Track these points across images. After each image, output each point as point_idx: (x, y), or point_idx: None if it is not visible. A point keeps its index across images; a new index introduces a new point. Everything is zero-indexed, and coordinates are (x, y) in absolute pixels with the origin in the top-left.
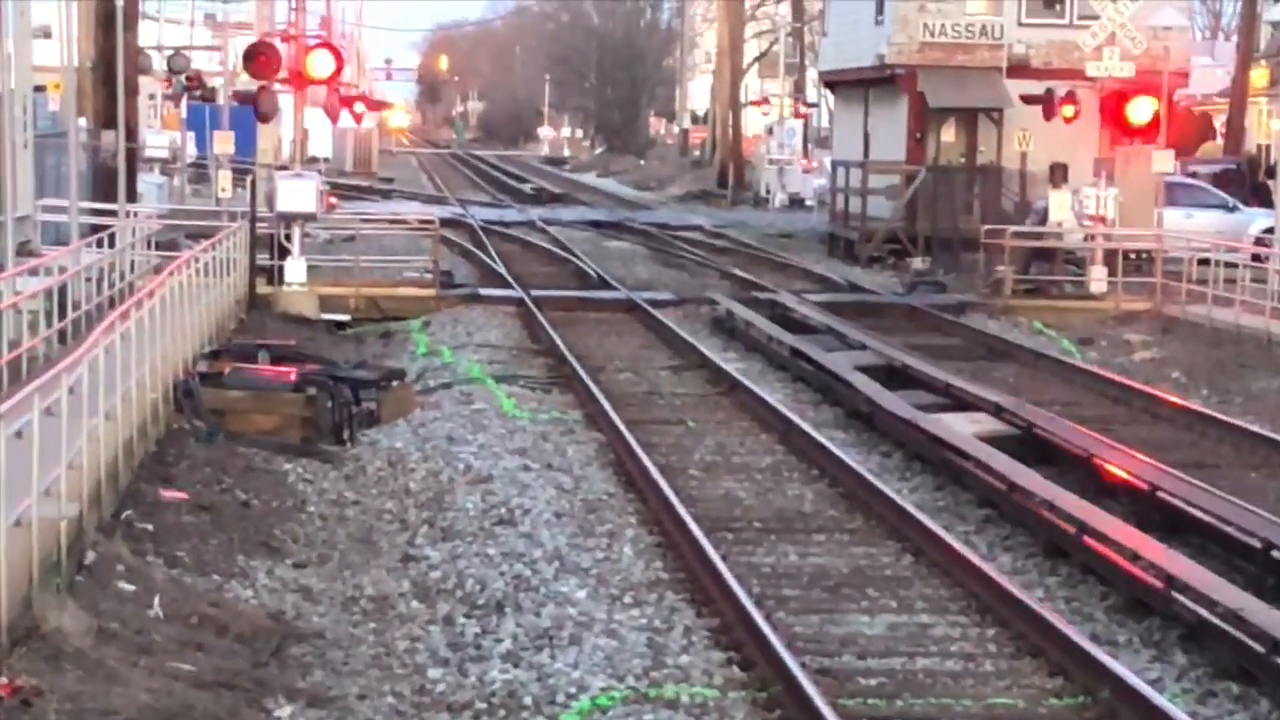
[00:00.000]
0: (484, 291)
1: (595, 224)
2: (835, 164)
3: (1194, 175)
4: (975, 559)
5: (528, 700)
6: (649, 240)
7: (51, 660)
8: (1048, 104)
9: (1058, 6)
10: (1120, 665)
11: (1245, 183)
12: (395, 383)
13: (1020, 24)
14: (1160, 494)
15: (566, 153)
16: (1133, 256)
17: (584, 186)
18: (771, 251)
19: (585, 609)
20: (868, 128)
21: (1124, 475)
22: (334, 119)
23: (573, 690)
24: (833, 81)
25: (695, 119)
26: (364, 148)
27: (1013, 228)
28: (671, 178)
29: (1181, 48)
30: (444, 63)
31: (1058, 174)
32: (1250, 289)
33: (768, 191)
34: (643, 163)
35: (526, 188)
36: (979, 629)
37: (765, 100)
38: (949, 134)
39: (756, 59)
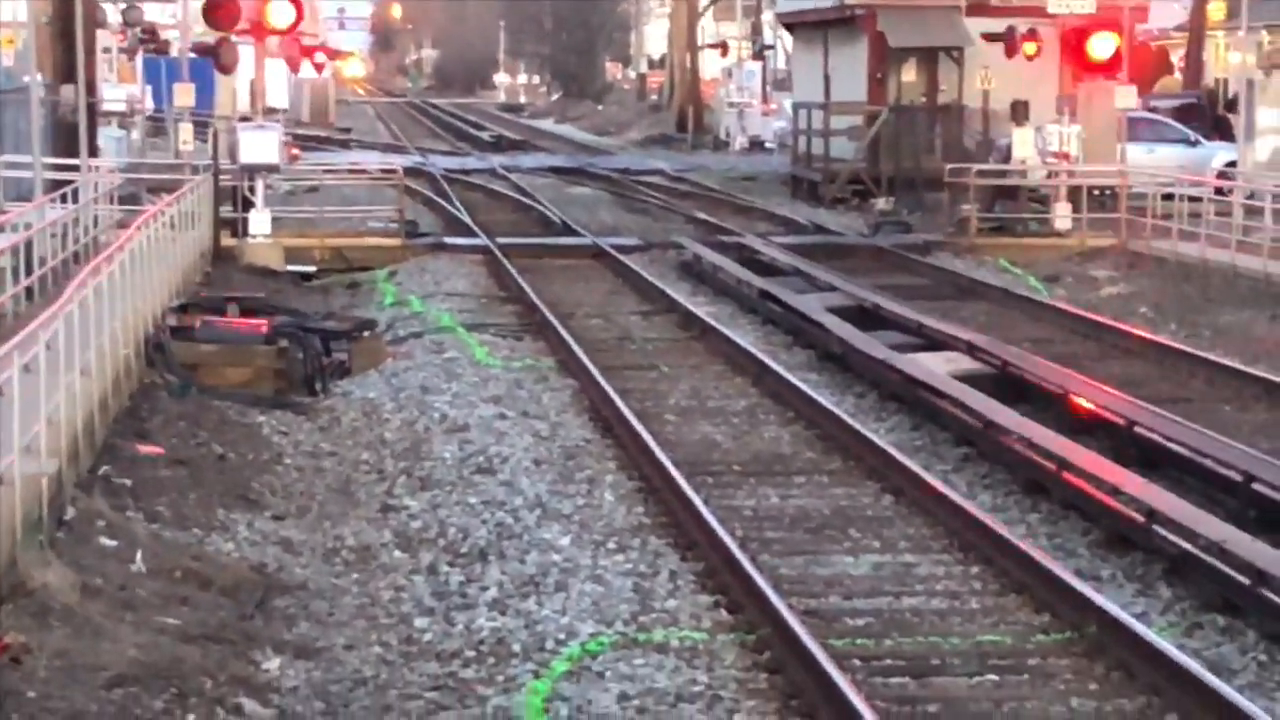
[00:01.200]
0: (449, 240)
1: (556, 170)
2: (796, 106)
3: (1154, 110)
4: (956, 497)
5: (516, 647)
6: (611, 185)
7: (38, 617)
8: (1009, 42)
9: None
10: (1106, 600)
11: (1206, 117)
12: (366, 333)
13: None
14: (1137, 429)
15: (523, 99)
16: (1097, 193)
17: (542, 133)
18: (734, 194)
19: (569, 555)
20: (827, 69)
21: (1100, 411)
22: (294, 69)
23: (561, 636)
24: (791, 23)
25: (652, 63)
26: (320, 98)
27: (977, 166)
28: (630, 123)
29: None
30: (397, 11)
31: (1020, 112)
32: (1214, 223)
33: (728, 135)
34: (600, 108)
35: (485, 135)
36: (963, 567)
37: (724, 45)
38: (910, 74)
39: (712, 2)
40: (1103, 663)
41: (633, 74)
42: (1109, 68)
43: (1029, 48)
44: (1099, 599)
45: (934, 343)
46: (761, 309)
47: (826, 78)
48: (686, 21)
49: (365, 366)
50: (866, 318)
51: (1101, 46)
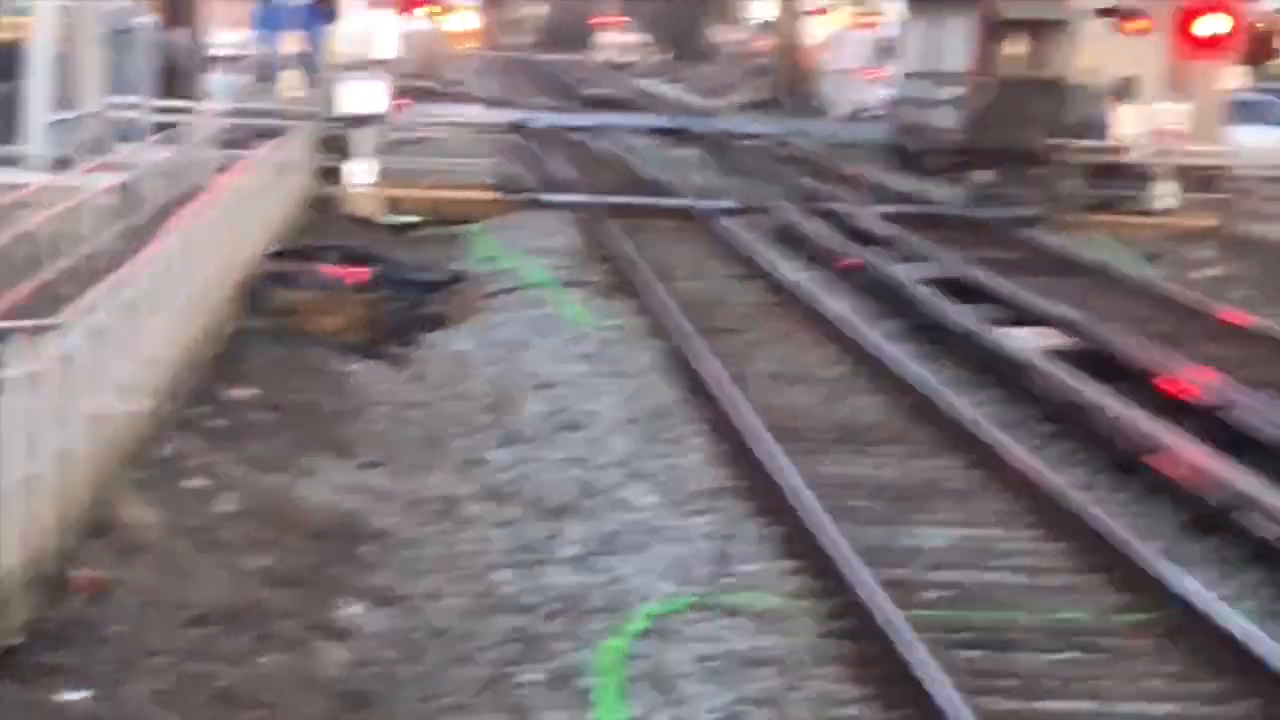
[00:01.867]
0: (548, 197)
1: (657, 131)
2: (902, 74)
3: (1263, 92)
4: (1043, 473)
5: (595, 604)
6: (711, 148)
7: (126, 554)
8: (1118, 17)
9: None
10: (1189, 581)
11: None
12: (460, 286)
13: None
14: (1230, 411)
15: (630, 59)
16: (1201, 172)
17: (647, 93)
18: (835, 161)
19: (652, 515)
20: (936, 38)
21: (1193, 392)
22: (406, 19)
23: (640, 595)
24: None
25: (759, 26)
26: (429, 50)
27: (1080, 142)
28: (734, 85)
29: None
30: None
31: (1126, 88)
32: None
33: (831, 101)
34: (706, 69)
35: (590, 93)
36: (1046, 543)
37: (832, 10)
38: (1018, 46)
39: None
40: (1183, 644)
41: (739, 37)
42: (1218, 47)
43: (1138, 24)
44: (1182, 580)
45: (1029, 317)
46: (856, 277)
47: (934, 47)
48: None
49: (458, 319)
50: (962, 290)
51: (1211, 26)
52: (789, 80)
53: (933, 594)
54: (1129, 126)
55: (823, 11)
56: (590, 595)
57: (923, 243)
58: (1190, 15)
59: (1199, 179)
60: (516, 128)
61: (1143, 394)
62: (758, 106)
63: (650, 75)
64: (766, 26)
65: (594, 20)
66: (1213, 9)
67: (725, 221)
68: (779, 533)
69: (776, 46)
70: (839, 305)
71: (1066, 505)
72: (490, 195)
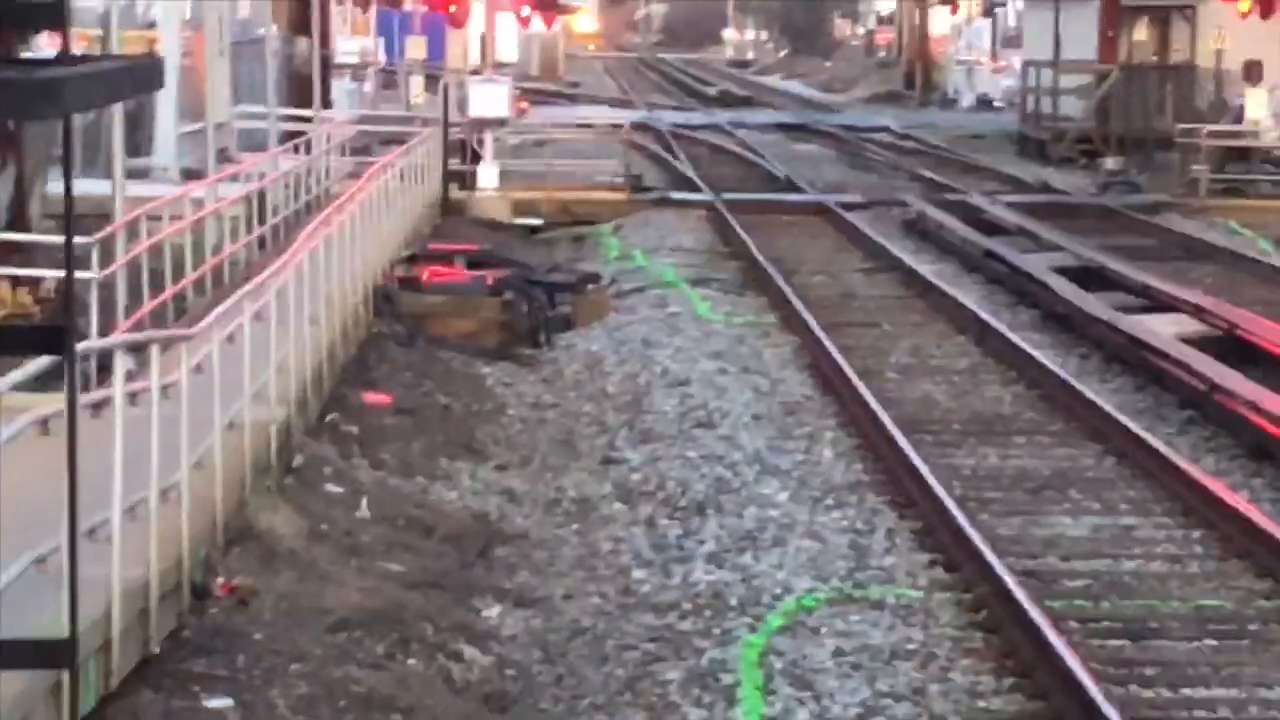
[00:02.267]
0: (674, 195)
1: (782, 126)
2: (1026, 64)
3: None
4: (1179, 460)
5: (733, 601)
6: (836, 143)
7: (265, 560)
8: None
9: None
10: None
11: None
12: (590, 286)
13: None
14: None
15: (751, 55)
16: None
17: (769, 89)
18: (961, 153)
19: (787, 511)
20: (1058, 27)
21: None
22: (524, 23)
23: (778, 591)
24: None
25: (880, 20)
26: (550, 52)
27: (1208, 126)
28: (857, 79)
29: None
30: None
31: (1254, 72)
32: None
33: (955, 92)
34: (828, 64)
35: (712, 91)
36: (1184, 530)
37: (954, 2)
38: (1142, 32)
39: None
40: None
41: (861, 30)
42: None
43: (1264, 7)
44: None
45: (1160, 304)
46: (986, 268)
47: (1057, 36)
48: None
49: (589, 320)
50: (1092, 278)
51: None
52: (912, 73)
53: (1071, 583)
54: (1256, 110)
55: (951, 3)
56: (728, 592)
57: (1052, 231)
58: None
59: None
60: (640, 127)
61: (1279, 379)
62: (882, 99)
63: (772, 71)
64: (888, 20)
65: (715, 18)
66: None
67: (852, 216)
68: (914, 526)
69: (899, 39)
70: (970, 296)
71: (1204, 491)
72: (616, 195)
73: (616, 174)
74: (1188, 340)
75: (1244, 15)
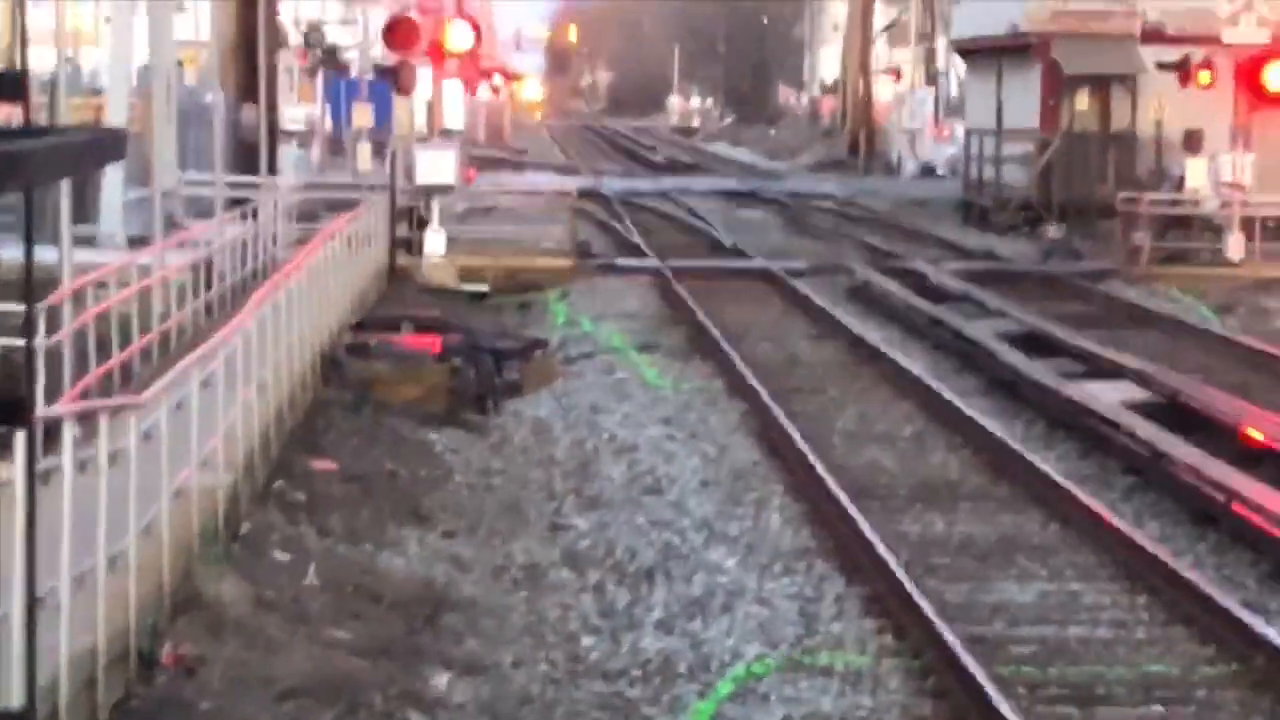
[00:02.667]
0: (621, 262)
1: (728, 193)
2: (968, 132)
3: None
4: (1124, 526)
5: (682, 668)
6: (782, 209)
7: (213, 629)
8: (1183, 71)
9: None
10: (1273, 632)
11: None
12: (537, 352)
13: None
14: None
15: (696, 123)
16: (1270, 223)
17: (714, 156)
18: (905, 220)
19: (735, 577)
20: (1000, 95)
21: (1271, 442)
22: (471, 90)
23: (727, 658)
24: (965, 50)
25: (825, 88)
26: (496, 119)
27: (1149, 195)
28: (802, 147)
29: None
30: (573, 33)
31: (1194, 141)
32: None
33: (899, 160)
34: (773, 132)
35: (658, 158)
36: (1129, 596)
37: (897, 71)
38: (1083, 101)
39: (886, 27)
40: (1270, 695)
41: (805, 98)
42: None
43: (1203, 77)
44: (1268, 630)
45: (1104, 371)
46: (931, 334)
47: (999, 104)
48: (860, 46)
49: (536, 386)
50: (1036, 345)
51: (1277, 77)
52: (857, 140)
53: (1019, 649)
54: (1196, 179)
55: (894, 72)
56: (677, 658)
57: (996, 298)
58: (1256, 66)
59: (1269, 229)
60: (587, 194)
61: (1222, 444)
62: (826, 167)
63: (717, 139)
64: (832, 88)
65: (660, 85)
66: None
67: (798, 282)
68: (863, 592)
69: (843, 107)
70: (915, 362)
71: (1148, 557)
72: (563, 261)
73: (563, 241)
74: (1131, 407)
75: (1184, 85)
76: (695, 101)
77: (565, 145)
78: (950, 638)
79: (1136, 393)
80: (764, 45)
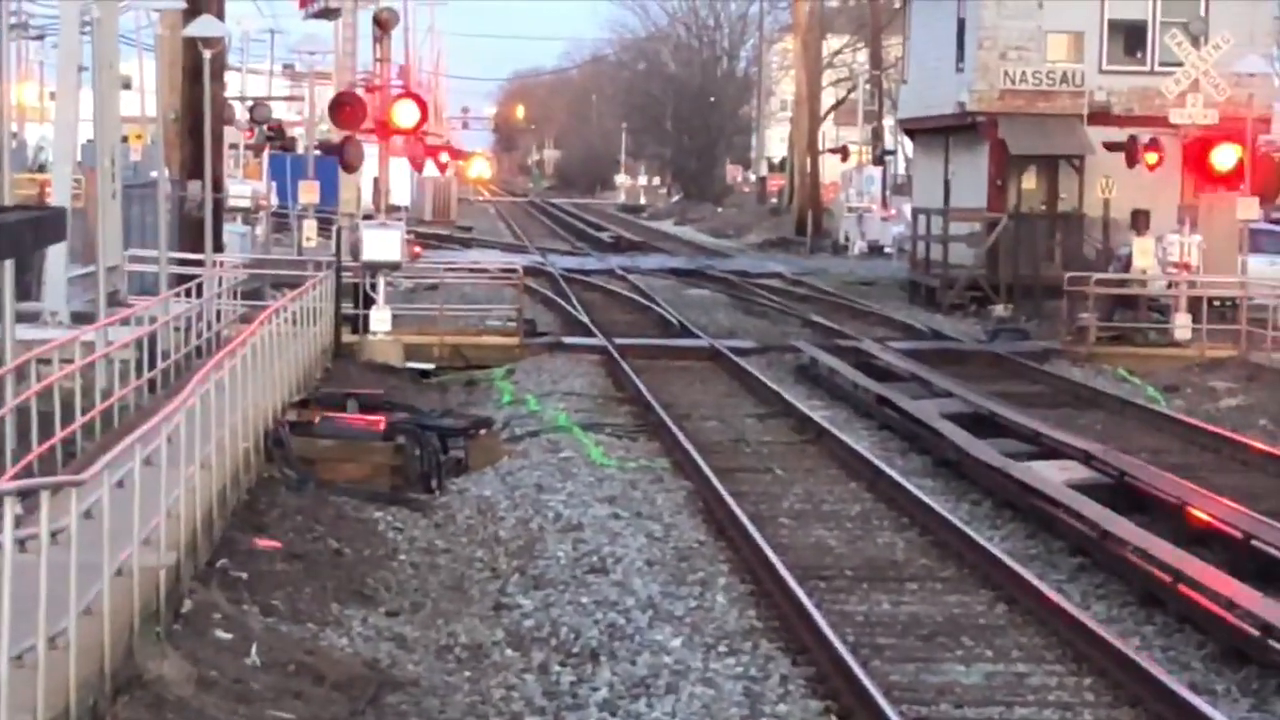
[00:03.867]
0: (567, 340)
1: (675, 272)
2: (915, 211)
3: (1277, 222)
4: (1070, 607)
5: None
6: (729, 288)
7: (154, 709)
8: (1130, 151)
9: (1139, 54)
10: (1220, 714)
11: None
12: (483, 431)
13: (1101, 71)
14: (1255, 542)
15: (643, 201)
16: (1217, 304)
17: (662, 234)
18: (852, 299)
19: (680, 658)
20: (948, 175)
21: (1217, 523)
22: (418, 168)
23: None
24: (912, 129)
25: (772, 167)
26: (443, 196)
27: (1096, 275)
28: (749, 225)
29: (1265, 94)
30: (520, 111)
31: (1141, 221)
32: None
33: (846, 239)
34: (720, 210)
35: (605, 236)
36: (1075, 678)
37: (845, 150)
38: (1030, 181)
39: (833, 106)
40: None
41: (753, 177)
42: (1231, 179)
43: (1150, 157)
44: (1213, 713)
45: (1050, 451)
46: (877, 414)
47: (946, 183)
48: (808, 125)
49: (481, 464)
50: (983, 425)
51: (1224, 158)
52: (804, 219)
53: None
54: (1143, 259)
55: (841, 151)
56: None
57: (942, 378)
58: (1203, 147)
59: (1216, 310)
60: (533, 271)
61: (1168, 525)
62: (774, 245)
63: (664, 216)
64: (780, 166)
65: (607, 163)
66: (1225, 140)
67: (744, 361)
68: (808, 673)
69: (790, 186)
70: (861, 442)
71: (1095, 639)
72: (509, 339)
73: (509, 319)
74: (1078, 487)
75: (1131, 165)
76: (643, 179)
77: (513, 222)
78: (896, 719)
79: (1083, 473)
80: (712, 124)
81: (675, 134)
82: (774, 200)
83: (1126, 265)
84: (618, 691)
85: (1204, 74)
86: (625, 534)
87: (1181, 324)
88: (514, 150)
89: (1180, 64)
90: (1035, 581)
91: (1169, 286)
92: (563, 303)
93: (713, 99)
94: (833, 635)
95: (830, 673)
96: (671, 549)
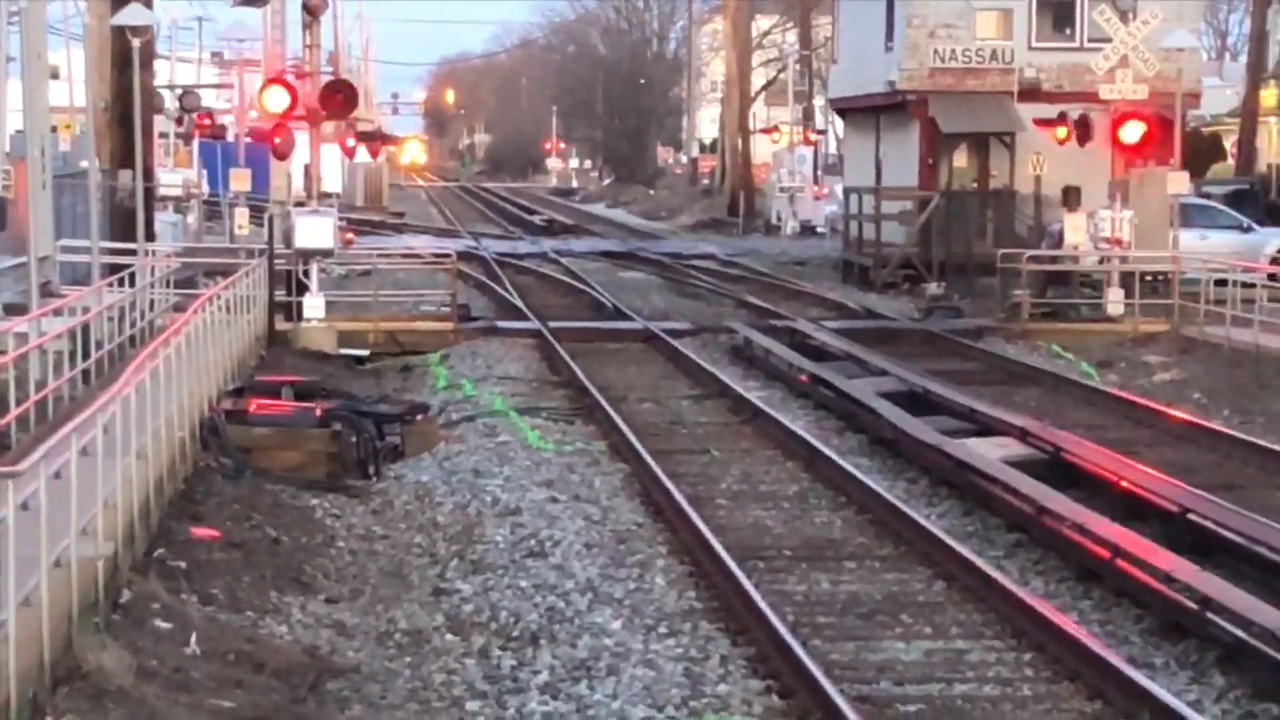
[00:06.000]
0: (501, 324)
1: (608, 254)
2: (847, 190)
3: (1207, 196)
4: (1008, 583)
5: None
6: (662, 270)
7: (94, 700)
8: (1060, 127)
9: (1068, 30)
10: (1159, 687)
11: (1259, 203)
12: (419, 417)
13: (1030, 48)
14: (1191, 515)
15: (575, 184)
16: (1149, 278)
17: (594, 217)
18: (785, 279)
19: (621, 639)
20: (879, 154)
21: (1153, 497)
22: (349, 154)
23: None
24: (843, 108)
25: (703, 148)
26: (374, 182)
27: (1028, 251)
28: (681, 207)
29: (1193, 69)
30: (450, 96)
31: (1072, 197)
32: (1268, 309)
33: (779, 219)
34: (652, 192)
35: (537, 219)
36: (1015, 653)
37: (775, 129)
38: (961, 159)
39: (764, 87)
40: None
41: (684, 159)
42: (1137, 151)
43: (1059, 131)
44: (1152, 686)
45: (986, 428)
46: (813, 394)
47: (878, 163)
48: (739, 106)
49: (418, 450)
50: (918, 403)
51: (1129, 132)
52: (736, 200)
53: (906, 708)
54: (1075, 235)
55: (775, 130)
56: None
57: (877, 356)
58: (1118, 122)
59: (1148, 285)
60: (466, 256)
61: (1104, 500)
62: (706, 226)
63: (596, 199)
64: (711, 147)
65: (538, 147)
66: (1141, 116)
67: (679, 342)
68: (748, 653)
69: (722, 167)
70: (797, 421)
71: (1033, 614)
72: (443, 325)
73: (443, 304)
74: (1014, 463)
75: (1062, 142)
76: (574, 163)
77: (444, 207)
78: (836, 697)
79: (1019, 449)
80: (642, 106)
81: (606, 117)
82: (705, 181)
83: (1059, 242)
84: (558, 674)
85: (1132, 49)
86: (563, 517)
87: (1114, 299)
88: (444, 136)
89: (1108, 40)
90: (973, 558)
91: (1101, 262)
92: (496, 287)
93: (643, 81)
94: (772, 614)
95: (771, 652)
96: (610, 531)
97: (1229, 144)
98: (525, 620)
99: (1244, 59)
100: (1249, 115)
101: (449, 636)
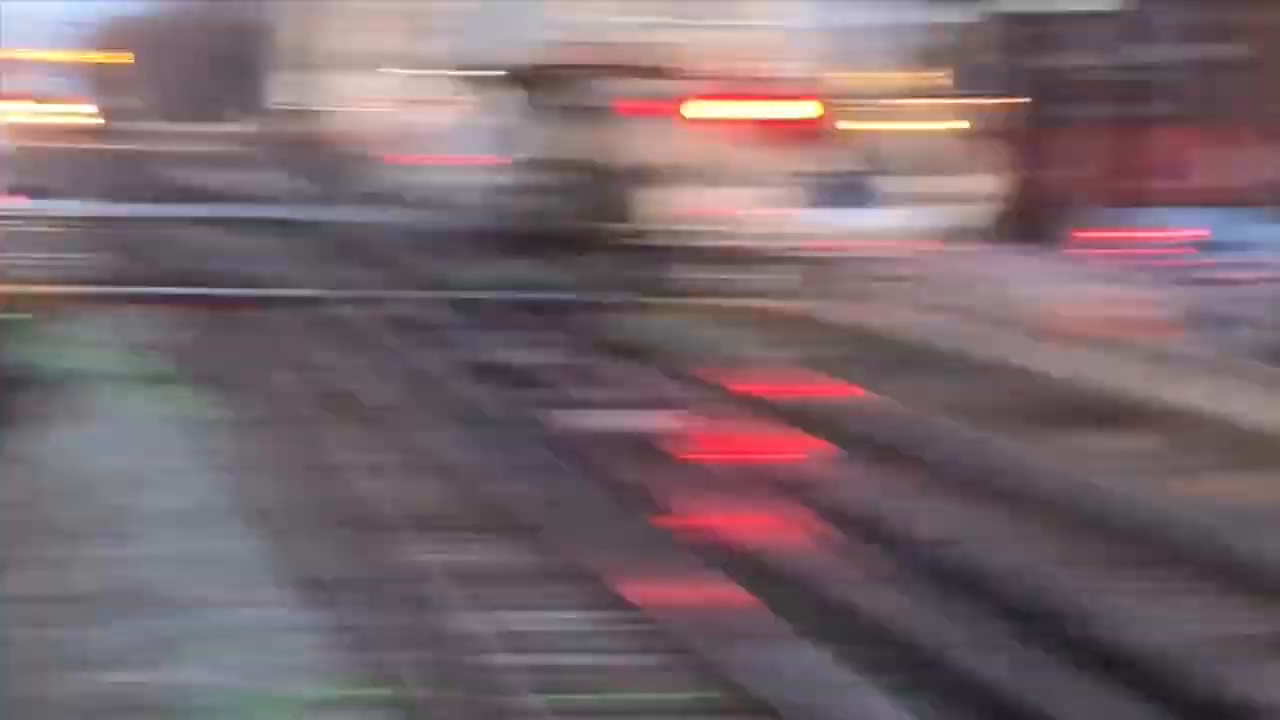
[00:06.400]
0: (104, 290)
1: (211, 220)
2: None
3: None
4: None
5: (146, 703)
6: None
7: None
8: (655, 104)
9: None
10: None
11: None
12: (22, 382)
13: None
14: None
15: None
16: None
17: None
18: (381, 249)
19: (212, 611)
20: (475, 123)
21: None
22: None
23: (194, 693)
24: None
25: (282, 115)
26: None
27: (621, 226)
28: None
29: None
30: None
31: (666, 173)
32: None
33: (374, 188)
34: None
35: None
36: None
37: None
38: (553, 130)
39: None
40: None
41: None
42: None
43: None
44: None
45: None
46: (396, 364)
47: (471, 132)
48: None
49: (19, 417)
50: (514, 375)
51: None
52: (317, 167)
53: (519, 678)
54: (660, 208)
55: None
56: (142, 695)
57: (465, 329)
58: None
59: (774, 261)
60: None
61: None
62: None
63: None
64: (292, 115)
65: None
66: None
67: (283, 312)
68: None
69: (308, 135)
70: (385, 394)
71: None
72: (52, 289)
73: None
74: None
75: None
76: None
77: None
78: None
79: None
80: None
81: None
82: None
83: (677, 217)
84: (137, 646)
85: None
86: (154, 485)
87: (728, 275)
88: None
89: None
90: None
91: (715, 238)
92: (94, 251)
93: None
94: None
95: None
96: (199, 500)
97: None
98: (107, 591)
99: None
100: None
101: (27, 606)
